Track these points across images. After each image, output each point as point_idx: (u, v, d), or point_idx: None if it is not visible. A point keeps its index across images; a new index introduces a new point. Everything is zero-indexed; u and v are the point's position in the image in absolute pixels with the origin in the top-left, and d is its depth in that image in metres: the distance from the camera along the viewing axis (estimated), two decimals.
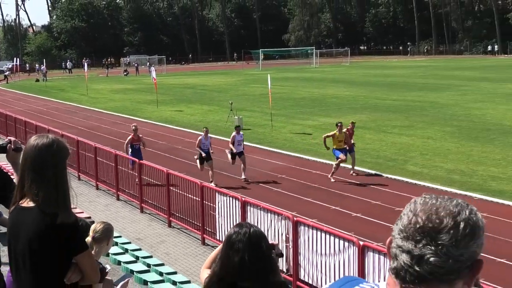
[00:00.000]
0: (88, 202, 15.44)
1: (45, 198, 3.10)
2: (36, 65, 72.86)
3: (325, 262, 9.24)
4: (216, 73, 67.95)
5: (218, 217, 11.80)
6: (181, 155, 20.49)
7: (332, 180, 16.36)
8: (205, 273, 3.35)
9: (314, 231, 9.49)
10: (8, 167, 6.77)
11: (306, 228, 9.64)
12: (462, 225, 1.45)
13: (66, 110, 36.81)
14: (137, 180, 14.86)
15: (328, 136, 16.82)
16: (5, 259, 4.04)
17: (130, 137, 17.06)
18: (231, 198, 11.56)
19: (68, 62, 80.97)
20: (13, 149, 3.82)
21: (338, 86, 44.96)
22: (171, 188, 13.53)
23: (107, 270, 4.77)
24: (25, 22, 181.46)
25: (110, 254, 10.16)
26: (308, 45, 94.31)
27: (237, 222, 9.20)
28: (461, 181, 16.14)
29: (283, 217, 10.16)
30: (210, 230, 12.16)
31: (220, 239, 10.99)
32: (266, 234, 11.13)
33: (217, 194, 12.01)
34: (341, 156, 16.37)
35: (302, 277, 9.74)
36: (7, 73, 64.71)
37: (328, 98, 37.45)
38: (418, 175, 17.02)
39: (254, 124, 27.33)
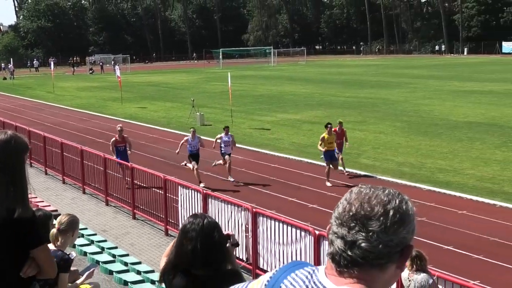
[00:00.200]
0: (55, 195, 15.65)
1: (2, 193, 3.02)
2: (3, 64, 71.31)
3: (283, 251, 9.67)
4: (179, 71, 67.95)
5: (181, 209, 12.17)
6: (144, 150, 20.78)
7: (329, 184, 15.83)
8: (163, 261, 3.42)
9: (272, 222, 9.93)
10: None
11: (265, 219, 10.07)
12: (391, 212, 1.51)
13: (33, 107, 36.69)
14: (102, 175, 15.11)
15: (321, 143, 16.15)
16: None
17: (113, 138, 16.57)
18: (193, 191, 11.96)
19: (35, 61, 79.85)
20: None
21: (295, 84, 45.75)
22: (135, 181, 13.88)
23: (72, 258, 5.04)
24: None
25: (76, 245, 10.44)
26: (267, 44, 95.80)
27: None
28: (410, 173, 16.93)
29: (243, 208, 10.58)
30: (173, 221, 12.54)
31: None
32: (227, 225, 11.57)
33: (179, 187, 12.39)
34: (327, 163, 16.05)
35: (261, 266, 10.16)
36: None
37: (285, 95, 38.18)
38: (370, 167, 17.76)
39: (215, 120, 27.77)
